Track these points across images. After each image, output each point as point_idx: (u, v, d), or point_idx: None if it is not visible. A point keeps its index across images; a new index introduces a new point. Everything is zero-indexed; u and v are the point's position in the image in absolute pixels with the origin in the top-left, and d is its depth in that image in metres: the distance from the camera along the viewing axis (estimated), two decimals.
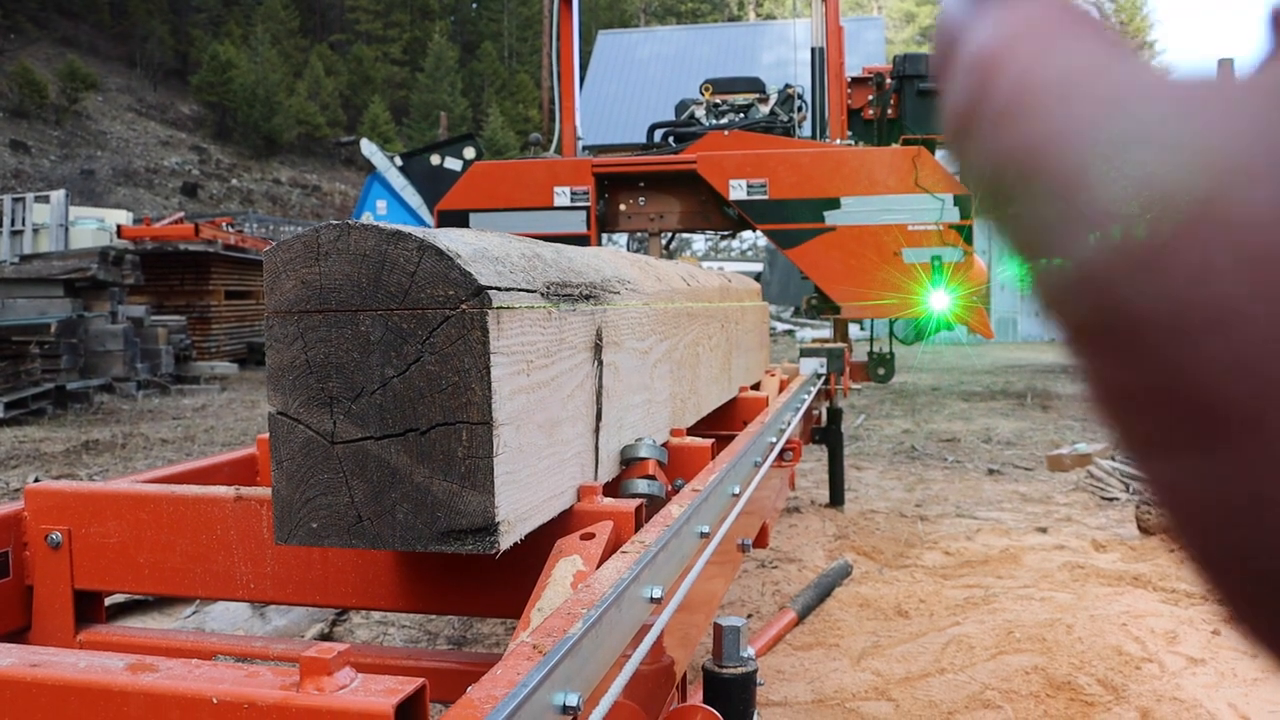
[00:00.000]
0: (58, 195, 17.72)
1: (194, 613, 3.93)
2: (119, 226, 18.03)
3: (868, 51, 27.11)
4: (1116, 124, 0.22)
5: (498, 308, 1.23)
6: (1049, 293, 0.23)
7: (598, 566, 1.30)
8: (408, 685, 0.90)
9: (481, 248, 1.33)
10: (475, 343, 1.21)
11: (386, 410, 1.24)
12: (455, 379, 1.22)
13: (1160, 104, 0.22)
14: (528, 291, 1.37)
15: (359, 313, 1.24)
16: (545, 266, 1.52)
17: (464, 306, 1.21)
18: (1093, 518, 5.60)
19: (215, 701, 0.90)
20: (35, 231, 17.12)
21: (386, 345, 1.23)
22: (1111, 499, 6.03)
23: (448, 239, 1.26)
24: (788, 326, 24.75)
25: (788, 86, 6.41)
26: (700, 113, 6.37)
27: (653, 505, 1.67)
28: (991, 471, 7.12)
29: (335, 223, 1.26)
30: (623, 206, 5.82)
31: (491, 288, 1.23)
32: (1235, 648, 3.51)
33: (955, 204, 5.24)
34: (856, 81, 6.22)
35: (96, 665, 0.97)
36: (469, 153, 6.91)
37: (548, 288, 1.47)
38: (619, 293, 1.84)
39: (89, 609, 1.74)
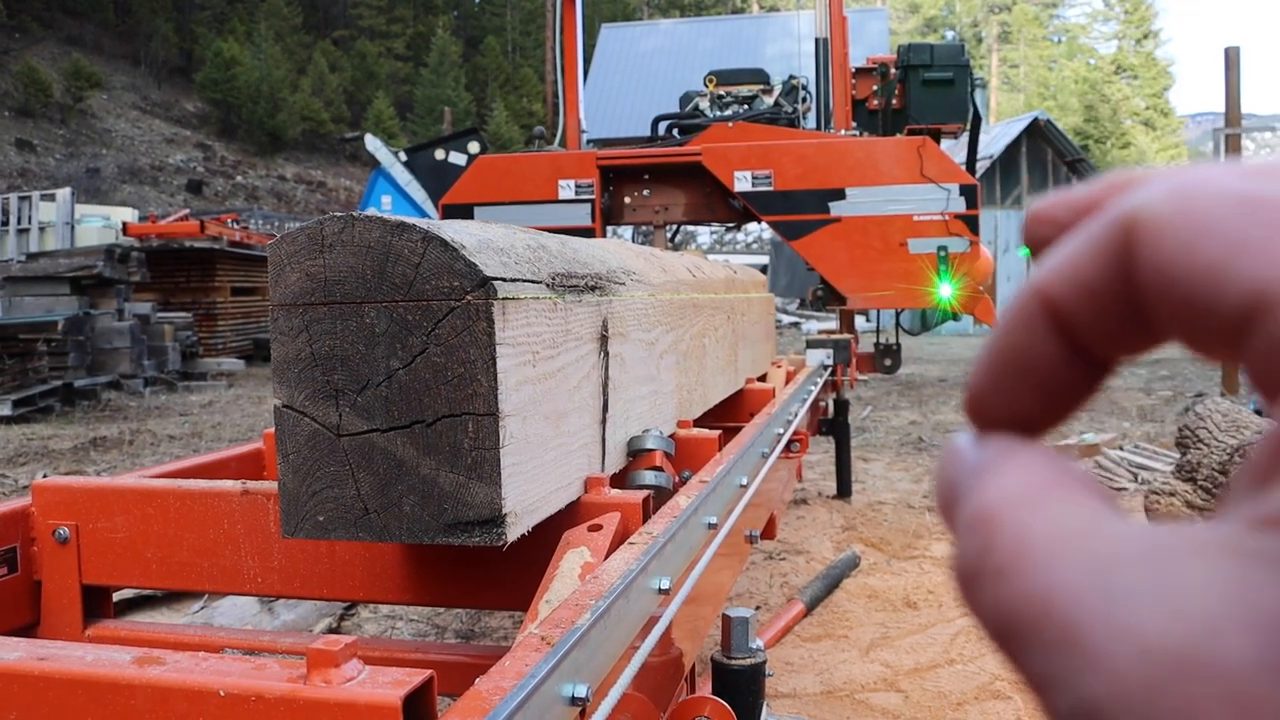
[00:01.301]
0: (63, 193, 17.74)
1: (202, 608, 3.93)
2: (125, 224, 18.04)
3: (872, 43, 27.05)
4: (1105, 580, 0.25)
5: (503, 299, 1.23)
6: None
7: (605, 558, 1.30)
8: (415, 677, 0.90)
9: (486, 239, 1.33)
10: (481, 334, 1.20)
11: (392, 402, 1.23)
12: (461, 370, 1.21)
13: (1143, 562, 0.25)
14: (533, 282, 1.37)
15: (364, 304, 1.23)
16: (550, 257, 1.52)
17: (469, 297, 1.20)
18: None
19: (222, 694, 0.90)
20: (41, 230, 17.14)
21: (392, 337, 1.23)
22: (1119, 489, 6.02)
23: (452, 230, 1.26)
24: (794, 319, 24.73)
25: (792, 78, 6.39)
26: (704, 104, 6.36)
27: (660, 497, 1.67)
28: None
29: (339, 214, 1.25)
30: (627, 199, 5.82)
31: (497, 278, 1.23)
32: None
33: (961, 194, 5.23)
34: (861, 72, 6.20)
35: (104, 658, 0.96)
36: (473, 147, 6.92)
37: (553, 279, 1.46)
38: (624, 284, 1.84)
39: (97, 604, 1.74)
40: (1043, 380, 0.31)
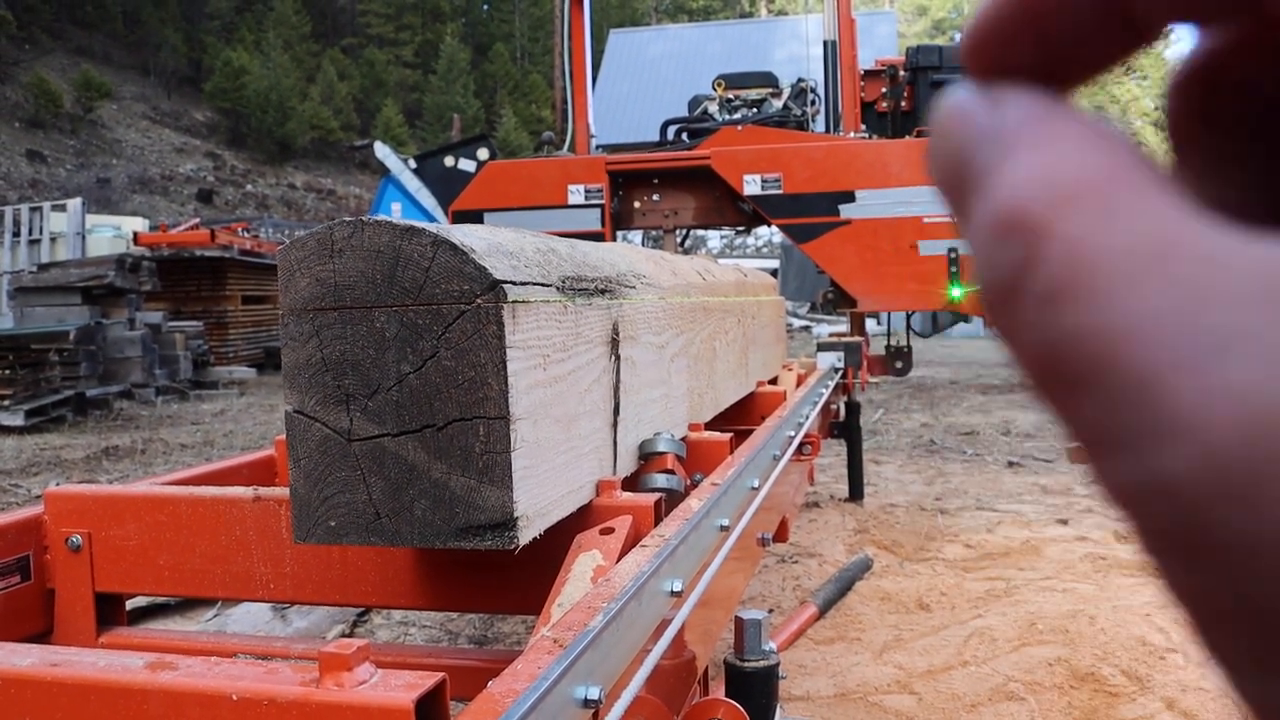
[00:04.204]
0: (74, 204, 17.79)
1: (215, 616, 3.94)
2: (135, 234, 18.08)
3: (880, 45, 27.00)
4: (1201, 318, 0.19)
5: (513, 302, 1.23)
6: (1117, 492, 0.20)
7: (617, 561, 1.29)
8: (428, 680, 0.90)
9: (496, 243, 1.33)
10: (491, 337, 1.20)
11: (403, 406, 1.23)
12: (471, 374, 1.21)
13: (1258, 297, 0.19)
14: (543, 286, 1.36)
15: (374, 309, 1.23)
16: (560, 261, 1.52)
17: (479, 301, 1.20)
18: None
19: (235, 699, 0.90)
20: (52, 240, 17.19)
21: (402, 341, 1.23)
22: None
23: (462, 234, 1.26)
24: (804, 322, 24.71)
25: (800, 81, 6.39)
26: (713, 108, 6.36)
27: (671, 499, 1.66)
28: (1011, 464, 7.09)
29: (349, 219, 1.26)
30: (637, 204, 5.81)
31: (507, 282, 1.23)
32: None
33: None
34: (869, 74, 6.19)
35: (116, 664, 0.97)
36: (483, 154, 6.91)
37: (563, 282, 1.46)
38: (635, 287, 1.84)
39: (110, 612, 1.75)
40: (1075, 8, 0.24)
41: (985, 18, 0.25)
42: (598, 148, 6.62)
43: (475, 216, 5.67)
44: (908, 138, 5.76)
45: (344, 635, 3.81)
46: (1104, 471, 0.20)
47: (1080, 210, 0.21)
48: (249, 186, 42.97)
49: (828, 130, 6.23)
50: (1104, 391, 0.20)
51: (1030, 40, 0.24)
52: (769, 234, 29.57)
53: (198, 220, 23.00)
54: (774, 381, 3.57)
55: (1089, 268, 0.20)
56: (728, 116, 6.29)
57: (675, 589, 1.28)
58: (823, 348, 4.79)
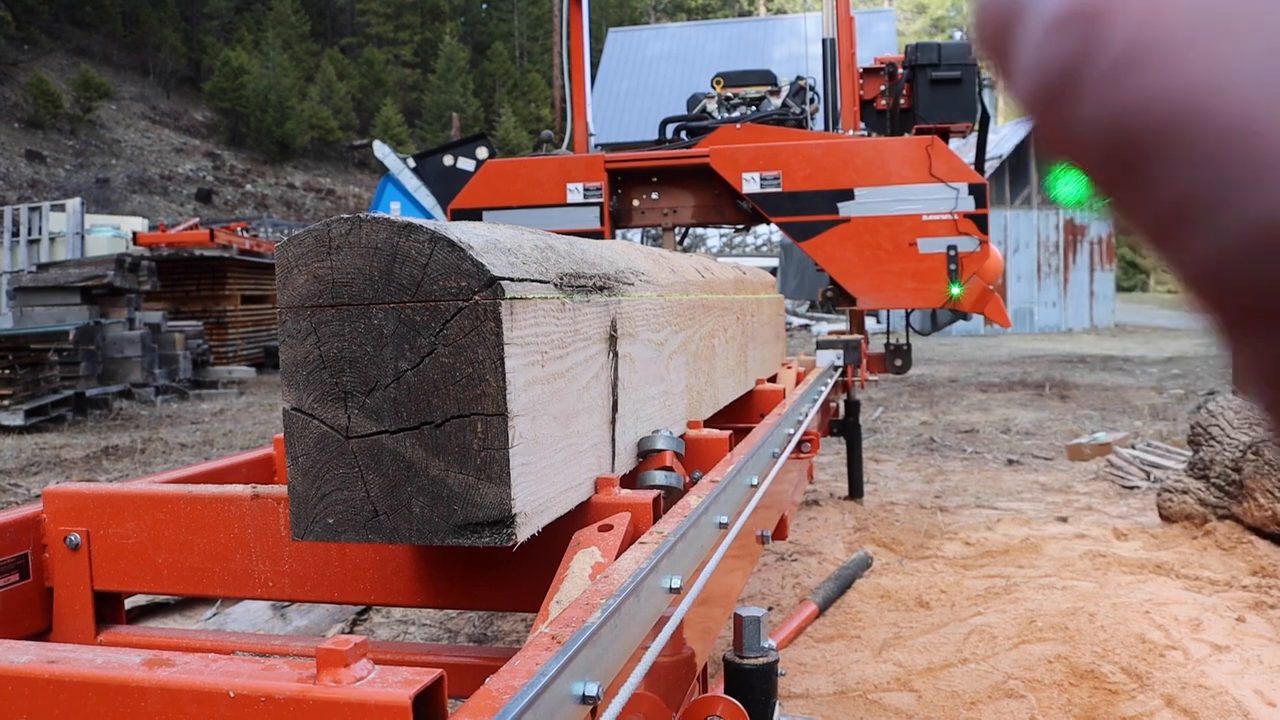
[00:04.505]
0: (73, 204, 17.79)
1: (214, 615, 3.94)
2: (134, 233, 18.07)
3: (879, 43, 27.01)
4: None
5: (511, 298, 1.22)
6: (1199, 272, 0.19)
7: (616, 558, 1.29)
8: (425, 676, 0.90)
9: (494, 239, 1.32)
10: (489, 334, 1.20)
11: (401, 403, 1.23)
12: (469, 371, 1.21)
13: None
14: (541, 282, 1.36)
15: (371, 306, 1.23)
16: (558, 258, 1.52)
17: (477, 298, 1.20)
18: (1113, 506, 5.57)
19: (232, 695, 0.90)
20: (52, 240, 17.19)
21: (400, 338, 1.23)
22: (1132, 487, 6.00)
23: (459, 231, 1.26)
24: (804, 321, 24.71)
25: (799, 79, 6.38)
26: (712, 106, 6.35)
27: (670, 497, 1.66)
28: (1011, 462, 7.09)
29: (346, 216, 1.25)
30: (636, 202, 5.81)
31: (504, 278, 1.23)
32: (1260, 635, 3.49)
33: (969, 193, 5.22)
34: (868, 72, 6.19)
35: (114, 661, 0.96)
36: (482, 153, 6.90)
37: (561, 279, 1.46)
38: (633, 284, 1.84)
39: (109, 610, 1.74)
40: None
41: None
42: (596, 146, 6.61)
43: (474, 215, 5.67)
44: (907, 135, 5.75)
45: (343, 633, 3.81)
46: (1187, 248, 0.19)
47: None
48: (248, 186, 42.96)
49: (827, 128, 6.23)
50: (1191, 151, 0.18)
51: None
52: (768, 232, 29.57)
53: (197, 220, 22.99)
54: (773, 379, 3.57)
55: (1160, 31, 0.19)
56: (726, 115, 6.28)
57: (674, 586, 1.28)
58: (822, 346, 4.79)
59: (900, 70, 6.06)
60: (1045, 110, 0.21)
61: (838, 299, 5.49)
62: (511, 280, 1.25)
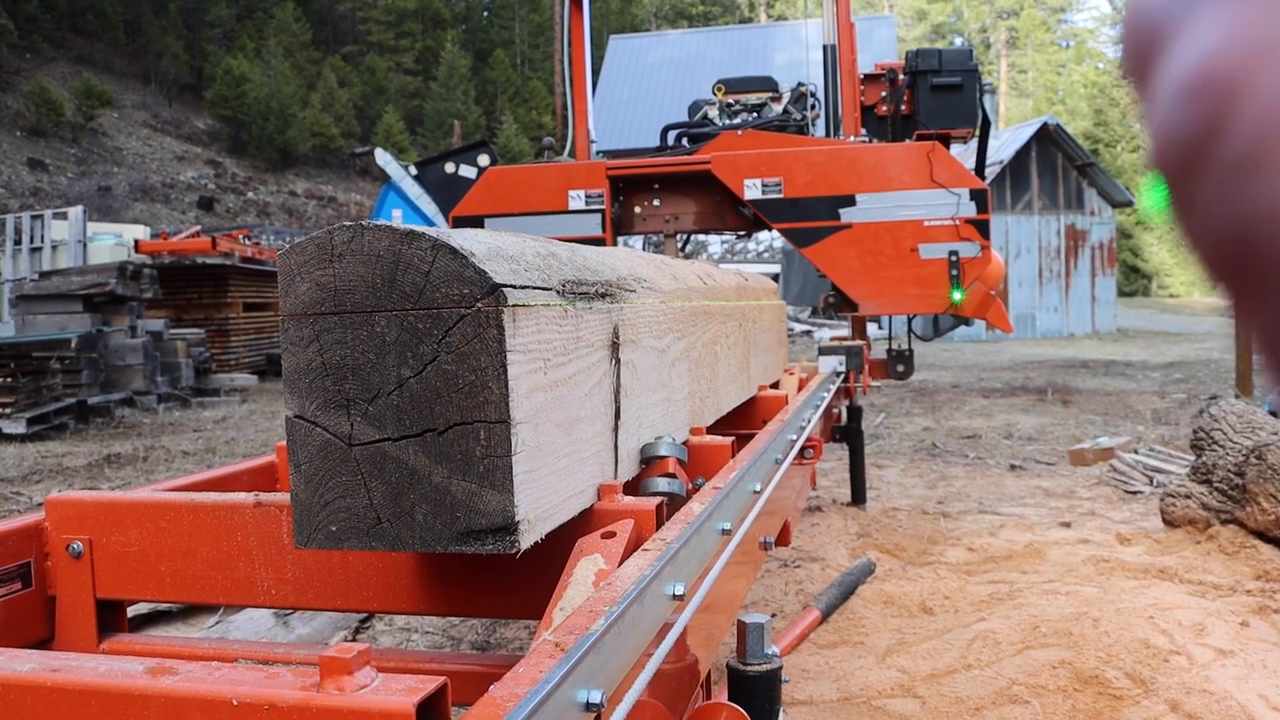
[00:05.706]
0: (75, 212, 17.79)
1: (217, 623, 3.93)
2: (136, 241, 18.10)
3: (880, 49, 27.03)
4: None
5: (513, 305, 1.22)
6: None
7: (619, 565, 1.29)
8: (429, 684, 0.90)
9: (496, 247, 1.32)
10: (491, 341, 1.20)
11: (404, 411, 1.23)
12: (472, 378, 1.21)
13: None
14: (543, 289, 1.36)
15: (374, 313, 1.23)
16: (560, 265, 1.52)
17: (479, 305, 1.20)
18: (1116, 511, 5.56)
19: (235, 703, 0.90)
20: (54, 248, 17.19)
21: (402, 345, 1.23)
22: (1135, 492, 5.99)
23: (462, 238, 1.26)
24: (806, 327, 24.70)
25: (800, 85, 6.38)
26: (713, 113, 6.35)
27: (673, 503, 1.66)
28: (1013, 467, 7.08)
29: (349, 224, 1.25)
30: (638, 209, 5.81)
31: (507, 285, 1.23)
32: (1265, 639, 3.48)
33: (971, 199, 5.22)
34: (869, 78, 6.19)
35: (116, 669, 0.96)
36: (483, 160, 6.91)
37: (563, 286, 1.46)
38: (635, 291, 1.84)
39: (111, 618, 1.74)
40: None
41: None
42: (598, 153, 6.61)
43: (476, 222, 5.67)
44: (908, 141, 5.75)
45: (346, 641, 3.81)
46: None
47: (1276, 70, 0.18)
48: (250, 194, 43.00)
49: (828, 134, 6.23)
50: None
51: None
52: (770, 239, 29.58)
53: (199, 228, 22.99)
54: (775, 385, 3.57)
55: None
56: (728, 121, 6.28)
57: (677, 593, 1.28)
58: (824, 352, 4.79)
59: (901, 76, 6.06)
60: (1170, 179, 0.20)
61: (840, 305, 5.49)
62: (514, 287, 1.25)
